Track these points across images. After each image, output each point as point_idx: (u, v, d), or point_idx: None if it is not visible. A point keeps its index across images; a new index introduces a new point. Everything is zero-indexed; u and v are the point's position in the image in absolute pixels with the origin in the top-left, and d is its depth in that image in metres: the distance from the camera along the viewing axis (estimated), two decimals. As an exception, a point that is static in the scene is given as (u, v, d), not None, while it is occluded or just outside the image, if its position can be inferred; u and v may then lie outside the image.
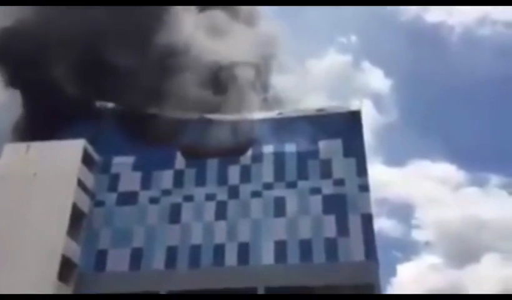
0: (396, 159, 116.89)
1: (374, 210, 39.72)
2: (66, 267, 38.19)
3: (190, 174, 42.89)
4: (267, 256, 38.36)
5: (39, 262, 37.12)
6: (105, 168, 44.04)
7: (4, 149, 43.07)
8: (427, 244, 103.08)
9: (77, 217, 40.49)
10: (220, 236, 39.64)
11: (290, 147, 42.97)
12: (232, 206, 40.94)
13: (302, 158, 42.06)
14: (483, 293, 50.55)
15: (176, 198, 41.89)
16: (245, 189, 41.49)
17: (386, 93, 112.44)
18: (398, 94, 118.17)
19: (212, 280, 37.40)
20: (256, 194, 41.12)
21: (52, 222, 38.93)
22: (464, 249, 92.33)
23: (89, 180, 42.79)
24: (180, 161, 43.50)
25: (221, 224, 40.16)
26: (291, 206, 40.14)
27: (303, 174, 41.38)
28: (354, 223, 38.58)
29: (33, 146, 42.74)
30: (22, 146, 42.95)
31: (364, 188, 39.93)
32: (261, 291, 36.71)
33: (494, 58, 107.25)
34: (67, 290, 37.86)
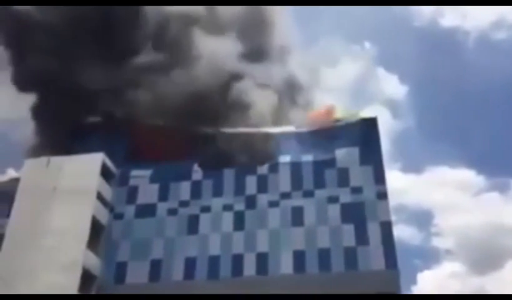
0: (413, 165, 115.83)
1: (392, 217, 39.40)
2: (86, 280, 38.47)
3: (207, 184, 43.03)
4: (286, 266, 38.17)
5: (59, 275, 37.41)
6: (123, 181, 44.44)
7: (25, 164, 43.93)
8: (448, 251, 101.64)
9: (96, 230, 40.88)
10: (238, 246, 39.61)
11: (307, 157, 42.88)
12: (250, 216, 40.93)
13: (319, 167, 41.90)
14: (501, 293, 49.04)
15: (194, 209, 42.04)
16: (263, 199, 41.46)
17: (401, 99, 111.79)
18: (414, 99, 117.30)
19: (231, 291, 37.27)
20: (273, 204, 41.04)
21: (72, 235, 39.33)
22: (486, 256, 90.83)
23: (108, 193, 43.23)
24: (197, 172, 43.71)
25: (239, 235, 40.15)
26: (309, 215, 39.96)
27: (320, 183, 41.21)
28: (374, 231, 38.22)
29: (53, 160, 43.38)
30: (42, 161, 43.61)
31: (383, 195, 39.57)
32: (281, 302, 36.52)
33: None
34: (87, 302, 38.19)
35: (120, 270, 40.25)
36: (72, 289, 37.04)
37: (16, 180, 43.32)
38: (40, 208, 40.87)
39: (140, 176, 44.31)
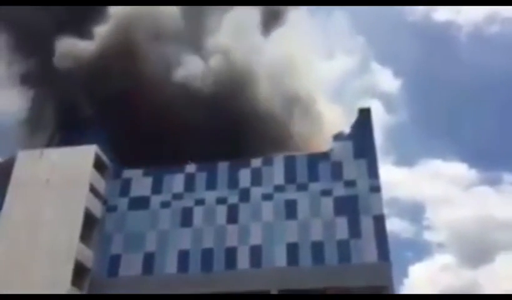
0: (406, 158, 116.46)
1: (385, 210, 39.52)
2: (79, 272, 38.46)
3: (201, 177, 42.97)
4: (279, 259, 38.29)
5: (52, 268, 37.44)
6: (116, 173, 44.31)
7: (18, 155, 43.47)
8: (439, 244, 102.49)
9: (89, 222, 40.79)
10: (231, 239, 39.65)
11: (301, 150, 42.96)
12: (243, 209, 40.93)
13: (313, 160, 41.95)
14: (498, 293, 49.38)
15: (187, 202, 42.00)
16: (256, 192, 41.47)
17: (395, 93, 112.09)
18: (408, 93, 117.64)
19: (225, 284, 37.43)
20: (267, 197, 41.07)
21: (65, 227, 39.28)
22: (478, 249, 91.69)
23: (101, 185, 43.09)
24: (190, 165, 43.61)
25: (233, 227, 40.17)
26: (302, 208, 40.04)
27: (313, 176, 41.26)
28: (367, 224, 38.40)
29: (46, 152, 43.21)
30: (35, 152, 43.43)
31: (376, 189, 39.71)
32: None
33: (505, 55, 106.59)
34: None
35: (113, 263, 40.17)
36: (65, 281, 37.01)
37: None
38: (33, 200, 40.72)
39: (134, 169, 44.14)
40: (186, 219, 41.31)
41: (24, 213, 40.13)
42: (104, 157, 43.88)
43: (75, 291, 37.54)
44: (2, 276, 37.34)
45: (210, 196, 41.92)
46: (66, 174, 41.58)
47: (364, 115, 42.95)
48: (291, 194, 40.89)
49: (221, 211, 41.12)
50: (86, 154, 42.68)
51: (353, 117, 43.48)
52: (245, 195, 41.52)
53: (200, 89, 50.45)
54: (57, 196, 40.59)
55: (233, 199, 41.49)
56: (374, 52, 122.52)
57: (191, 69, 52.65)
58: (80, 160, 42.38)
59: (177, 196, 42.36)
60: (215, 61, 52.80)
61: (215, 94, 50.22)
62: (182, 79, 50.93)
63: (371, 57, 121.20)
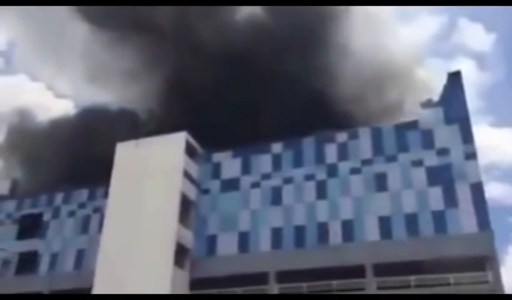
0: (506, 118, 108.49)
1: (485, 176, 37.54)
2: (181, 253, 40.91)
3: (288, 156, 43.47)
4: (372, 232, 37.93)
5: (156, 250, 40.18)
6: (207, 158, 46.18)
7: (117, 147, 46.71)
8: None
9: (186, 206, 43.05)
10: (322, 215, 39.89)
11: (387, 120, 41.73)
12: (332, 185, 40.89)
13: (401, 130, 40.69)
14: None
15: (276, 181, 42.76)
16: (344, 167, 41.18)
17: (488, 50, 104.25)
18: (503, 48, 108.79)
19: (319, 259, 37.90)
20: (355, 171, 40.62)
21: (165, 211, 41.79)
22: None
23: (194, 170, 45.14)
24: (276, 145, 44.20)
25: (323, 203, 40.34)
26: (393, 181, 39.12)
27: (403, 147, 40.05)
28: (463, 193, 36.65)
29: (141, 143, 45.93)
30: (131, 144, 46.32)
31: (472, 155, 37.69)
32: (368, 268, 36.57)
33: None
34: (183, 274, 40.63)
35: (211, 243, 42.29)
36: (169, 261, 39.56)
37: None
38: (133, 188, 43.67)
39: (223, 152, 45.67)
40: (276, 197, 42.15)
41: (126, 200, 43.26)
42: (194, 143, 45.80)
43: (178, 270, 40.05)
44: (111, 260, 40.83)
45: (298, 174, 42.32)
46: (161, 161, 43.99)
47: (454, 79, 40.62)
48: (380, 166, 40.09)
49: (310, 188, 41.41)
50: (177, 141, 44.79)
51: (443, 82, 41.36)
52: (332, 171, 41.41)
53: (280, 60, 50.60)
54: (155, 183, 43.15)
55: (321, 175, 41.56)
56: (460, 7, 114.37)
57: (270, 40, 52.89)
58: (172, 147, 44.58)
59: (266, 176, 43.28)
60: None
61: (296, 65, 50.12)
62: (259, 50, 51.34)
63: (458, 14, 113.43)
